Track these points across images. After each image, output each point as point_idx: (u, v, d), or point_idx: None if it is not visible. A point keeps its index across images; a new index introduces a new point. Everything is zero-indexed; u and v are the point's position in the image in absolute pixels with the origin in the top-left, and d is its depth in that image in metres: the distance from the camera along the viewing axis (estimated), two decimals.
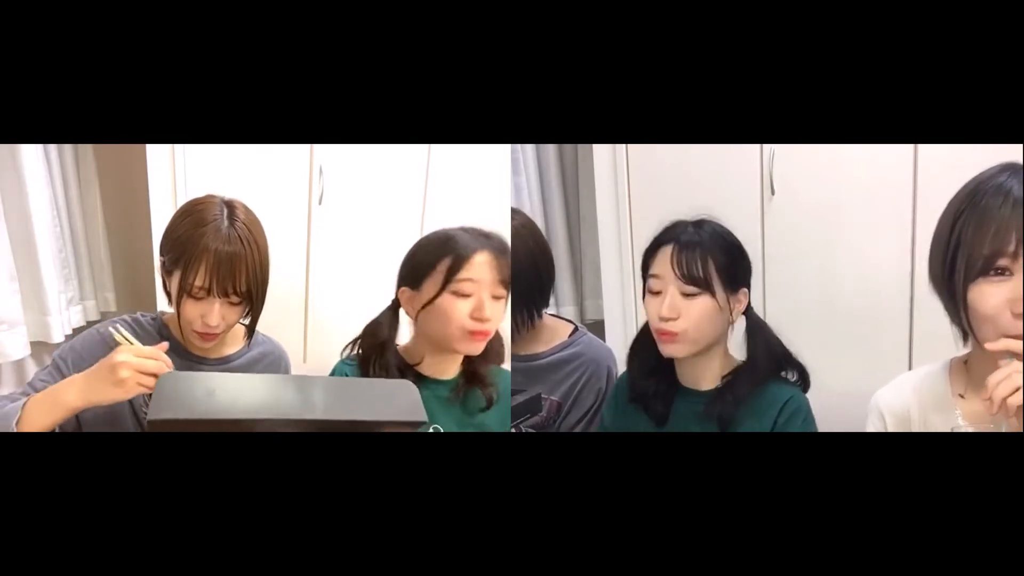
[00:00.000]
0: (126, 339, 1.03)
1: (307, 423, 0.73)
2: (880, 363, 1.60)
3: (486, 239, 1.11)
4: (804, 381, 1.09)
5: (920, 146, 1.53)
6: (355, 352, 1.17)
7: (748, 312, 1.09)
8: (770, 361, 1.07)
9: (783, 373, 1.08)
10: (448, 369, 1.15)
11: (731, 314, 1.06)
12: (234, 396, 0.73)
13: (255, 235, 1.08)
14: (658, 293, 1.05)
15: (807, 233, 1.70)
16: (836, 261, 1.67)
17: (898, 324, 1.59)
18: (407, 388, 0.83)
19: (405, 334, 1.19)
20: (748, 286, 1.09)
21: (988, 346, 0.77)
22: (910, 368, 1.36)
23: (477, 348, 1.09)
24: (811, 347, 1.74)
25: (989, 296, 0.78)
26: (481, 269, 1.07)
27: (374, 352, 1.13)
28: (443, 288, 1.06)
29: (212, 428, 0.72)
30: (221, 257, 1.03)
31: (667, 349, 1.05)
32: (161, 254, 1.10)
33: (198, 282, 1.03)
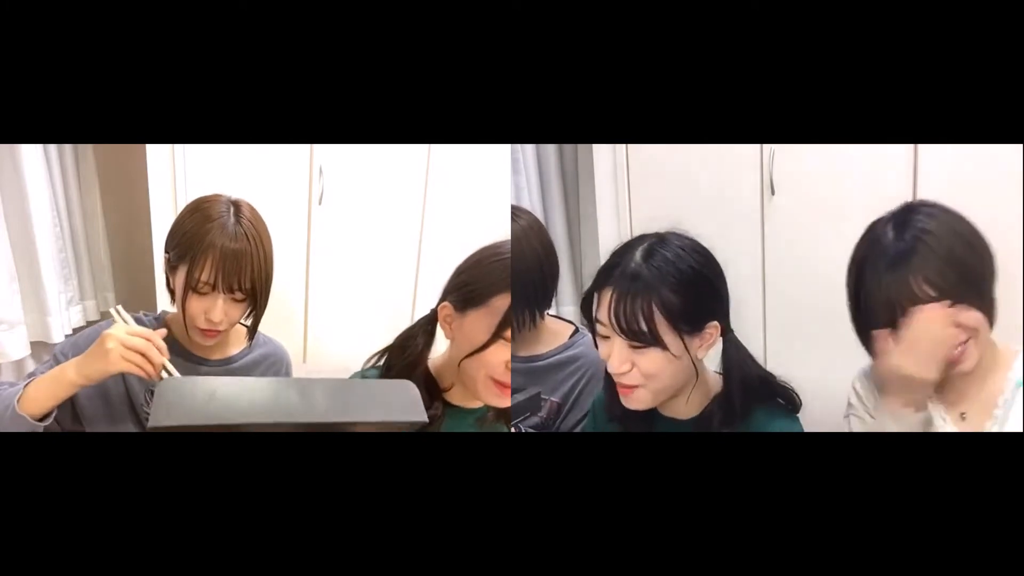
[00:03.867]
0: (121, 318, 1.02)
1: (308, 425, 0.73)
2: None
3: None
4: (792, 405, 0.98)
5: (920, 146, 1.53)
6: (380, 363, 1.03)
7: (726, 336, 0.96)
8: (745, 394, 0.94)
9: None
10: (474, 400, 1.02)
11: (695, 353, 0.92)
12: (234, 400, 0.73)
13: (260, 234, 1.08)
14: (607, 338, 0.92)
15: (807, 233, 1.70)
16: (836, 261, 1.67)
17: None
18: (406, 388, 0.83)
19: (439, 346, 1.04)
20: (720, 315, 0.94)
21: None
22: None
23: (503, 402, 0.94)
24: (811, 347, 1.75)
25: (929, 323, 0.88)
26: None
27: (403, 373, 0.97)
28: (497, 335, 0.89)
29: (213, 431, 0.72)
30: (227, 253, 1.03)
31: (629, 402, 0.93)
32: (167, 250, 1.10)
33: (204, 277, 1.04)
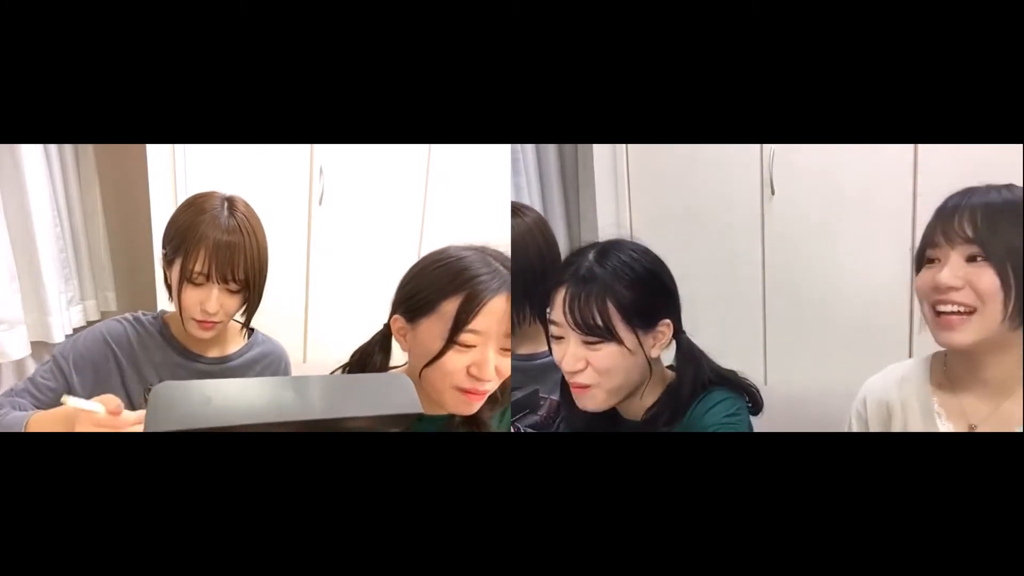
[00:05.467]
0: (76, 406, 0.86)
1: (305, 423, 0.73)
2: (879, 363, 1.60)
3: (505, 272, 0.91)
4: (753, 402, 0.98)
5: (920, 146, 1.54)
6: None
7: (679, 337, 0.97)
8: (695, 389, 0.95)
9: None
10: (437, 408, 0.98)
11: (649, 351, 0.93)
12: (231, 402, 0.73)
13: (254, 227, 1.10)
14: (561, 339, 0.92)
15: (807, 233, 1.70)
16: (836, 261, 1.67)
17: (898, 324, 1.59)
18: (401, 381, 0.83)
19: (398, 355, 1.03)
20: (672, 315, 0.95)
21: None
22: None
23: (470, 409, 0.92)
24: (811, 347, 1.75)
25: (921, 279, 0.92)
26: (493, 318, 0.87)
27: None
28: (450, 341, 0.87)
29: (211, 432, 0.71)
30: (220, 244, 1.05)
31: (583, 402, 0.93)
32: (163, 246, 1.12)
33: (197, 267, 1.05)
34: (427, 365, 0.90)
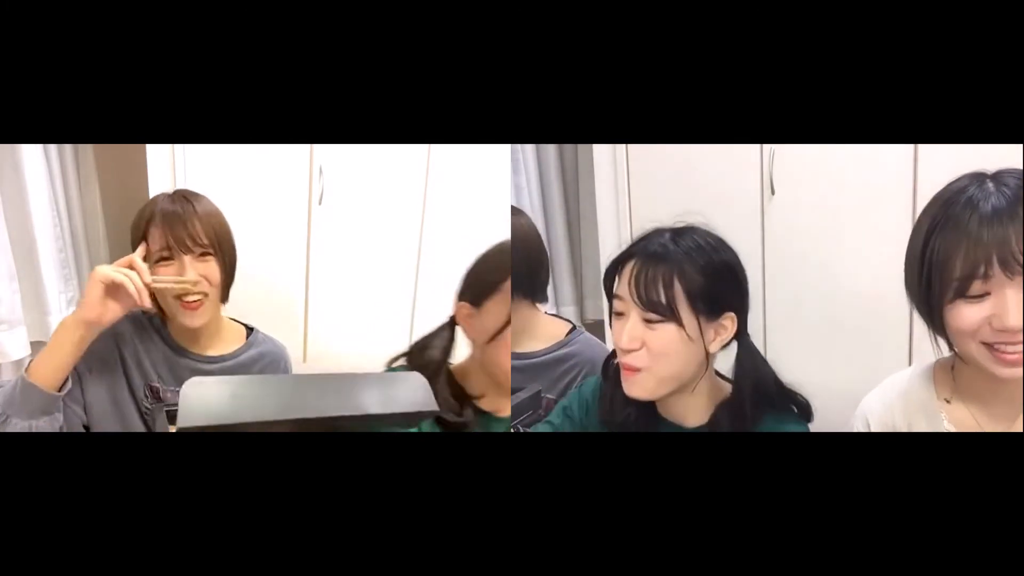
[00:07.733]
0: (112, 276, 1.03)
1: (325, 421, 0.73)
2: (880, 364, 1.60)
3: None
4: (806, 416, 0.95)
5: (920, 146, 1.53)
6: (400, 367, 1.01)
7: (741, 339, 0.92)
8: (757, 399, 0.90)
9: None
10: (508, 405, 1.01)
11: (708, 345, 0.89)
12: (255, 399, 0.73)
13: (197, 197, 1.12)
14: (622, 315, 0.90)
15: (807, 233, 1.70)
16: (836, 261, 1.67)
17: (898, 325, 1.59)
18: (416, 379, 0.83)
19: (461, 351, 1.04)
20: (738, 310, 0.91)
21: None
22: None
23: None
24: (811, 347, 1.75)
25: (967, 316, 0.77)
26: None
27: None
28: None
29: (236, 430, 0.72)
30: (167, 212, 1.07)
31: (630, 387, 0.90)
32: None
33: (156, 245, 1.07)
34: (491, 339, 0.94)
